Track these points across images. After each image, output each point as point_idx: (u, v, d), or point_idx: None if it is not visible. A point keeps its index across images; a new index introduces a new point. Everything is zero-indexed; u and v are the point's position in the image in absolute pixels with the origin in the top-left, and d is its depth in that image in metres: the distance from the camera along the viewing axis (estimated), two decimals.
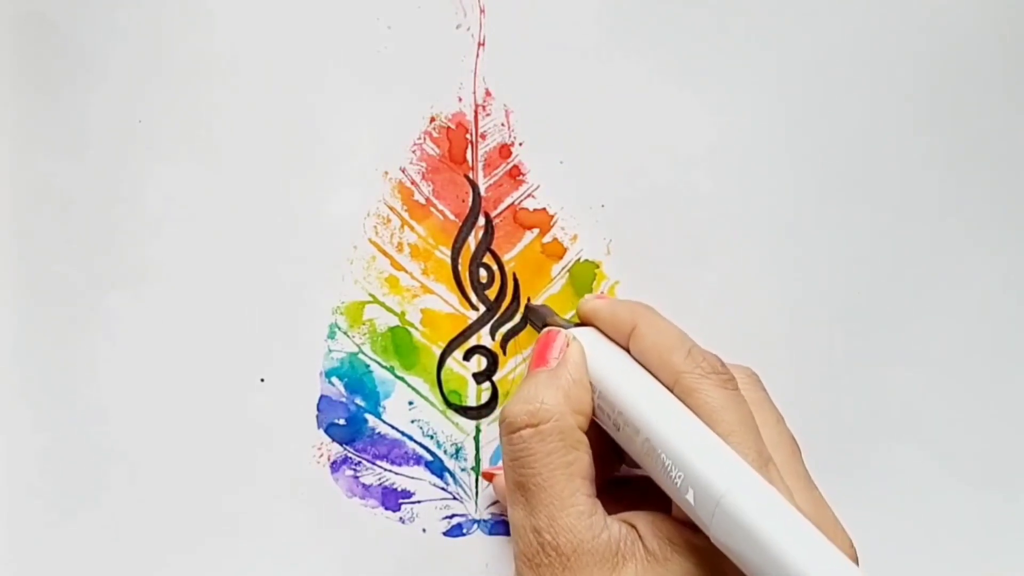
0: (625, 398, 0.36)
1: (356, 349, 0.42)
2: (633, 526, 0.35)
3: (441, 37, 0.42)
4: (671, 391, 0.36)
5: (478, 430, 0.43)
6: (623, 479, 0.40)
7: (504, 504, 0.41)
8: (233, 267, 0.42)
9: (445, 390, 0.43)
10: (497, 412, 0.43)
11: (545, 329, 0.39)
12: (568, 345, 0.38)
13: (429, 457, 0.43)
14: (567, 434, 0.35)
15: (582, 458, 0.36)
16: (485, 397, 0.43)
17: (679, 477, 0.33)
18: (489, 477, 0.42)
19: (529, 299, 0.43)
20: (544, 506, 0.35)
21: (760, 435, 0.35)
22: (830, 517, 0.35)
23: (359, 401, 0.42)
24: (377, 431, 0.43)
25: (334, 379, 0.42)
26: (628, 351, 0.38)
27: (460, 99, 0.42)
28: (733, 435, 0.34)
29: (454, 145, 0.42)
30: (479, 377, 0.43)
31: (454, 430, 0.43)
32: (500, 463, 0.40)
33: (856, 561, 0.35)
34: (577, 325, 0.40)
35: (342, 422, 0.42)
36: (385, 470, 0.42)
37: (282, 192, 0.42)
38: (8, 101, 0.41)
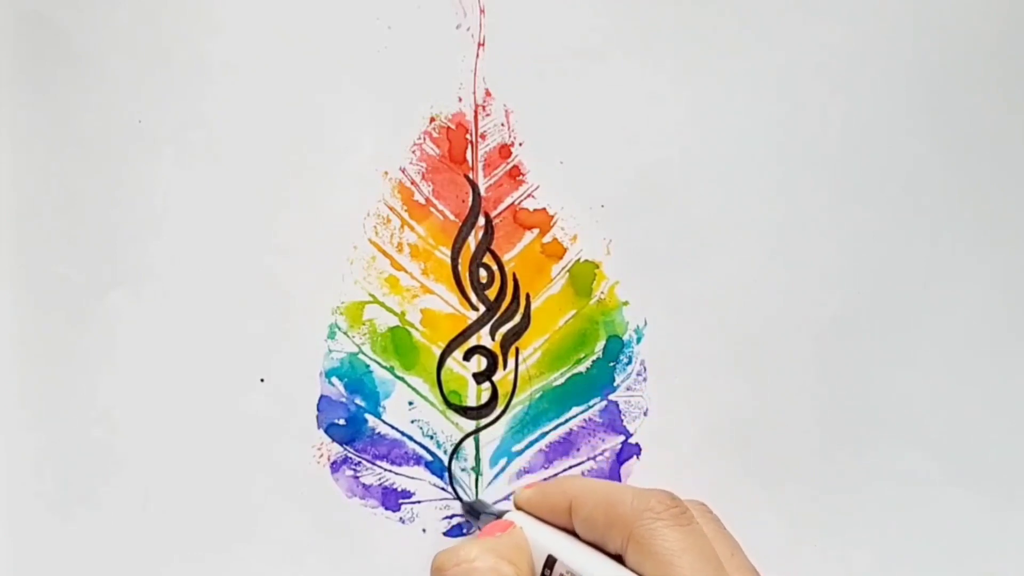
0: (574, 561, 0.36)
1: (356, 349, 0.42)
2: None
3: (441, 37, 0.42)
4: (627, 547, 0.35)
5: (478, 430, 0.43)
6: None
7: None
8: (233, 267, 0.42)
9: (445, 390, 0.43)
10: (497, 412, 0.43)
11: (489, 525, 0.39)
12: (511, 525, 0.37)
13: (429, 457, 0.43)
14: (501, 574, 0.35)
15: None
16: (485, 397, 0.43)
17: None
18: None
19: (462, 500, 0.42)
20: None
21: (724, 570, 0.34)
22: None
23: (359, 401, 0.42)
24: (377, 431, 0.43)
25: (334, 379, 0.42)
26: (575, 534, 0.37)
27: (460, 99, 0.42)
28: None
29: (454, 145, 0.42)
30: (479, 377, 0.43)
31: (454, 430, 0.43)
32: (497, 474, 0.39)
33: None
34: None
35: (342, 422, 0.42)
36: (385, 470, 0.42)
37: (282, 192, 0.42)
38: (8, 101, 0.41)
